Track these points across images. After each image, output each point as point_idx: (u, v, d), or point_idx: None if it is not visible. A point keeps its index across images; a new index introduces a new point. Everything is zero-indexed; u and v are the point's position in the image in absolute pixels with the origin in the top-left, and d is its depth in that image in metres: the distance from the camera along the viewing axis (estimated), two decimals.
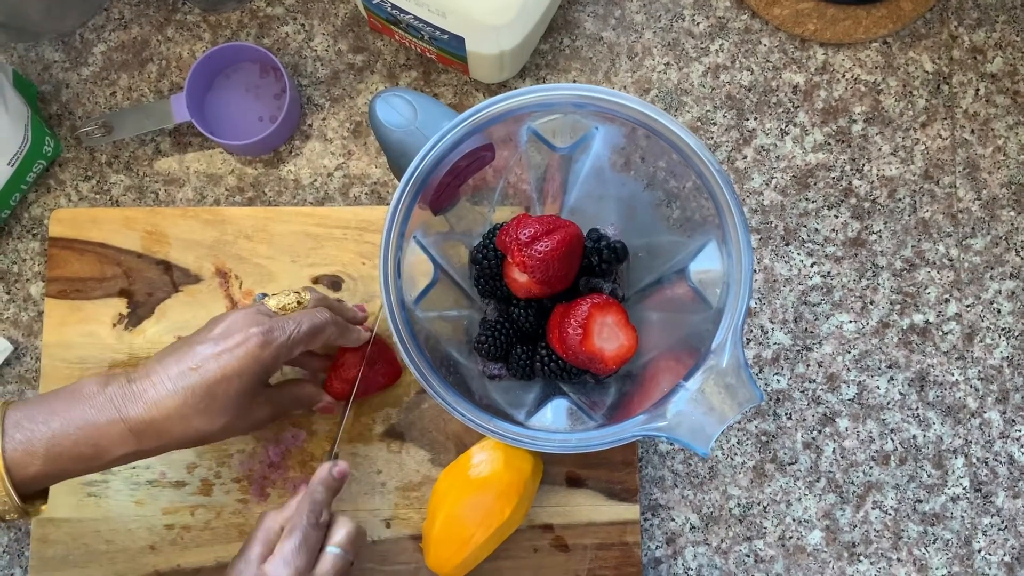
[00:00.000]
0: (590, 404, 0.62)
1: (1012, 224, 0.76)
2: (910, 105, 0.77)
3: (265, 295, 0.65)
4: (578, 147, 0.59)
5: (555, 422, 0.61)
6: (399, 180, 0.56)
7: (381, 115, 0.56)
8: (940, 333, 0.75)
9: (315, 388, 0.68)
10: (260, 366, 0.58)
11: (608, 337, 0.61)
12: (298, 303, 0.63)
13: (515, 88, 0.64)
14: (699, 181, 0.53)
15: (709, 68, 0.78)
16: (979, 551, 0.74)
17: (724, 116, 0.77)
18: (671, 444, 0.74)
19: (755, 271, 0.75)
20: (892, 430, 0.75)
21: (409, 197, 0.53)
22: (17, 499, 0.55)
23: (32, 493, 0.57)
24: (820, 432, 0.75)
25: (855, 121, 0.77)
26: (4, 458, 0.54)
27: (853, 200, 0.76)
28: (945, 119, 0.77)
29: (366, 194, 0.76)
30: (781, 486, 0.74)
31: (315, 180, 0.77)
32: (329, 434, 0.72)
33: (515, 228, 0.62)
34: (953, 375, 0.75)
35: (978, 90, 0.77)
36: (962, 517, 0.74)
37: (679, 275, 0.58)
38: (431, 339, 0.59)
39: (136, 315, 0.73)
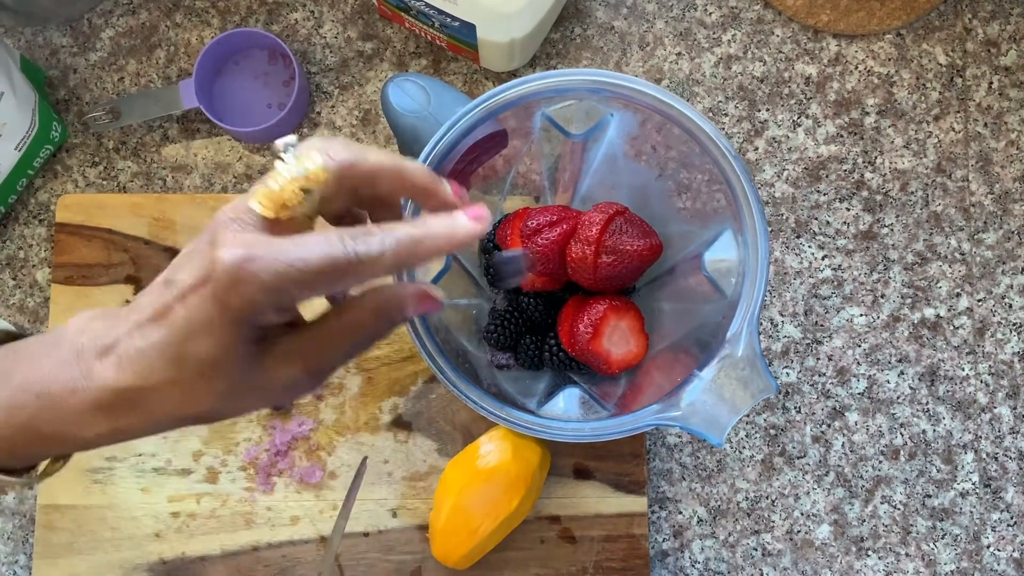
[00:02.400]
0: (601, 394, 0.62)
1: None
2: (923, 98, 0.77)
3: (291, 145, 0.39)
4: (592, 134, 0.58)
5: (567, 411, 0.61)
6: None
7: (394, 100, 0.55)
8: (951, 328, 0.75)
9: (383, 294, 0.41)
10: (235, 318, 0.38)
11: (618, 341, 0.60)
12: (303, 192, 0.38)
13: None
14: (714, 169, 0.53)
15: (721, 58, 0.77)
16: (988, 547, 0.73)
17: (736, 107, 0.77)
18: (680, 436, 0.74)
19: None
20: (902, 424, 0.74)
21: None
22: None
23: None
24: (829, 426, 0.74)
25: (868, 113, 0.77)
26: None
27: (865, 193, 0.76)
28: (958, 112, 0.77)
29: None
30: (789, 480, 0.74)
31: None
32: (336, 424, 0.71)
33: (517, 220, 0.62)
34: (964, 370, 0.75)
35: (992, 83, 0.77)
36: (971, 512, 0.74)
37: (693, 265, 0.58)
38: (442, 327, 0.59)
39: None
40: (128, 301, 0.72)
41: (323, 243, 0.37)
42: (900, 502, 0.74)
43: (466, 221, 0.40)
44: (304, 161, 0.38)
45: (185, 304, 0.38)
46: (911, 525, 0.73)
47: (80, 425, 0.40)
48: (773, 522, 0.73)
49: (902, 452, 0.74)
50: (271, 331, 0.41)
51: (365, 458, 0.70)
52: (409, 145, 0.55)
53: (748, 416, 0.74)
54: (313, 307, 0.42)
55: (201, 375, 0.39)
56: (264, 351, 0.40)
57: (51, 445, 0.41)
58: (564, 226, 0.60)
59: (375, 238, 0.38)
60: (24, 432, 0.40)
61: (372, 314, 0.41)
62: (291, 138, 0.39)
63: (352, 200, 0.42)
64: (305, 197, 0.38)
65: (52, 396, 0.39)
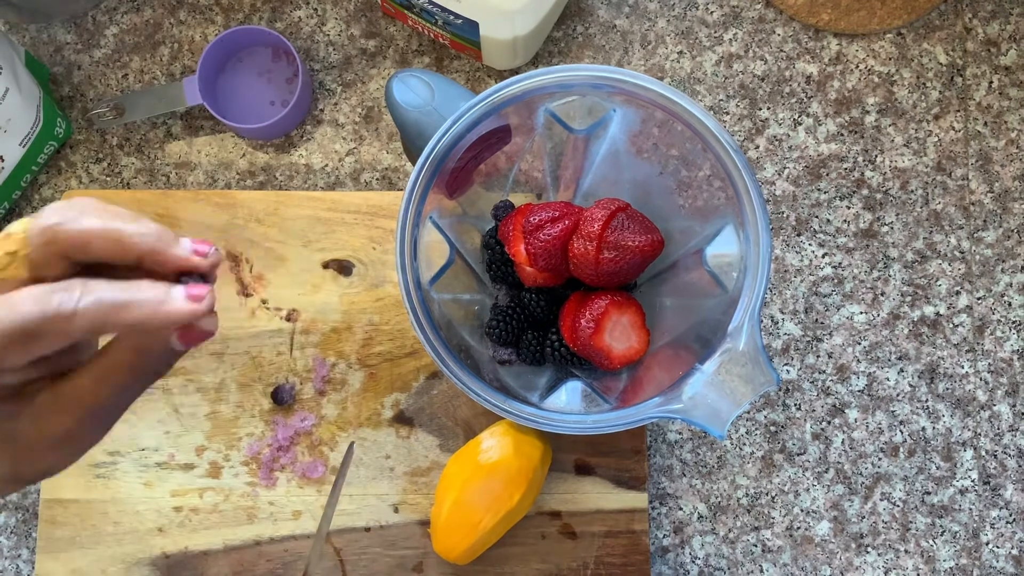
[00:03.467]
0: (603, 388, 0.62)
1: None
2: (923, 97, 0.77)
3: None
4: (595, 130, 0.59)
5: (570, 404, 0.61)
6: (413, 163, 0.56)
7: (398, 95, 0.55)
8: (951, 325, 0.75)
9: (141, 339, 0.39)
10: None
11: (620, 337, 0.61)
12: (8, 255, 0.37)
13: None
14: (716, 164, 0.53)
15: (722, 57, 0.77)
16: (987, 544, 0.74)
17: (737, 106, 0.77)
18: (680, 433, 0.74)
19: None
20: (901, 422, 0.74)
21: (427, 177, 0.53)
22: None
23: None
24: (829, 423, 0.74)
25: (868, 112, 0.77)
26: None
27: (865, 191, 0.76)
28: (958, 111, 0.77)
29: (377, 180, 0.76)
30: (789, 476, 0.74)
31: (326, 165, 0.76)
32: (338, 419, 0.72)
33: (519, 217, 0.62)
34: (963, 368, 0.75)
35: (992, 82, 0.77)
36: (970, 510, 0.74)
37: (694, 260, 0.58)
38: (444, 322, 0.59)
39: None
40: None
41: (20, 302, 0.36)
42: (899, 499, 0.74)
43: (181, 298, 0.37)
44: (10, 226, 0.38)
45: None
46: (910, 522, 0.74)
47: None
48: (773, 518, 0.74)
49: (902, 449, 0.74)
50: (27, 387, 0.39)
51: (352, 444, 0.70)
52: (413, 140, 0.56)
53: (748, 413, 0.75)
54: None
55: None
56: (21, 408, 0.39)
57: None
58: (566, 222, 0.60)
59: (72, 294, 0.36)
60: None
61: (132, 352, 0.39)
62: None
63: (77, 265, 0.38)
64: (11, 260, 0.37)
65: None
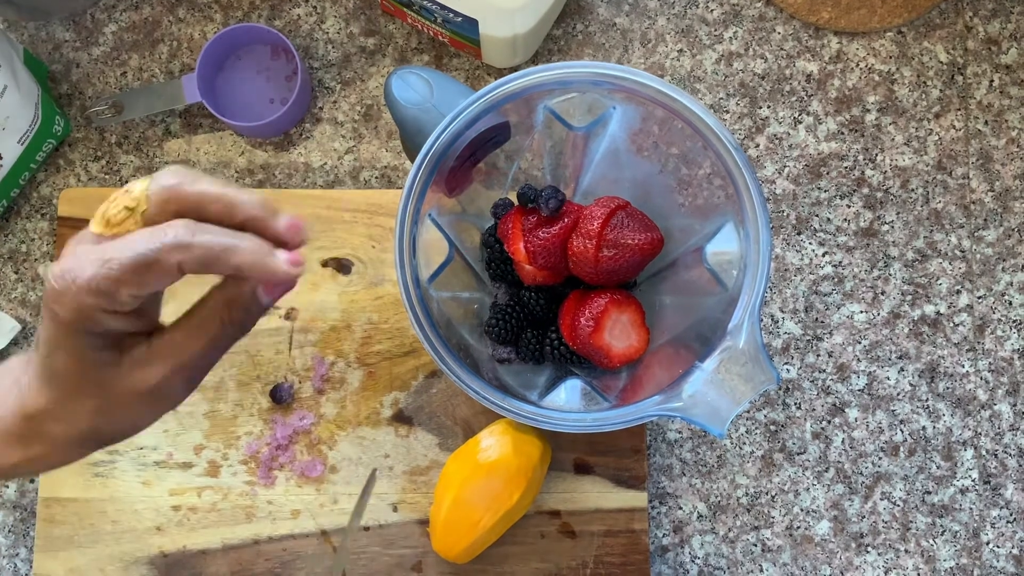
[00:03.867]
0: (603, 386, 0.62)
1: None
2: (924, 95, 0.77)
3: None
4: (595, 127, 0.59)
5: (569, 402, 0.61)
6: (412, 160, 0.56)
7: (397, 92, 0.55)
8: (951, 324, 0.75)
9: (225, 290, 0.43)
10: (71, 325, 0.40)
11: (619, 335, 0.60)
12: (127, 210, 0.41)
13: None
14: (716, 161, 0.53)
15: (722, 55, 0.77)
16: (987, 543, 0.73)
17: (737, 104, 0.77)
18: (680, 432, 0.74)
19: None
20: (901, 421, 0.74)
21: (426, 173, 0.53)
22: None
23: None
24: (829, 422, 0.74)
25: (868, 111, 0.77)
26: None
27: (865, 190, 0.76)
28: (959, 110, 0.77)
29: (376, 178, 0.76)
30: (789, 476, 0.74)
31: (325, 163, 0.76)
32: (337, 418, 0.71)
33: (519, 215, 0.62)
34: (963, 367, 0.75)
35: (992, 81, 0.77)
36: (971, 509, 0.74)
37: (694, 258, 0.58)
38: (443, 321, 0.59)
39: None
40: None
41: (137, 238, 0.39)
42: (900, 498, 0.74)
43: (282, 258, 0.41)
44: (132, 187, 0.41)
45: (42, 327, 0.41)
46: (911, 521, 0.74)
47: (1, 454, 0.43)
48: (773, 518, 0.73)
49: (902, 448, 0.74)
50: (126, 340, 0.42)
51: (375, 470, 0.70)
52: (412, 137, 0.55)
53: (748, 412, 0.74)
54: None
55: (67, 391, 0.42)
56: (120, 358, 0.42)
57: None
58: (566, 220, 0.60)
59: (188, 230, 0.39)
60: None
61: (224, 305, 0.42)
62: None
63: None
64: (129, 215, 0.40)
65: None
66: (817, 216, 0.76)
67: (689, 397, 0.50)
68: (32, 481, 0.72)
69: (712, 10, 0.78)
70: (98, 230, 0.40)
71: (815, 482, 0.74)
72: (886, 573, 0.73)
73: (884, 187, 0.76)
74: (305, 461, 0.71)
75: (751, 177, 0.51)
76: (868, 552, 0.73)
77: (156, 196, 0.40)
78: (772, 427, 0.74)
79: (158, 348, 0.42)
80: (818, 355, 0.75)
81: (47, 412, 0.42)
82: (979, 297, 0.75)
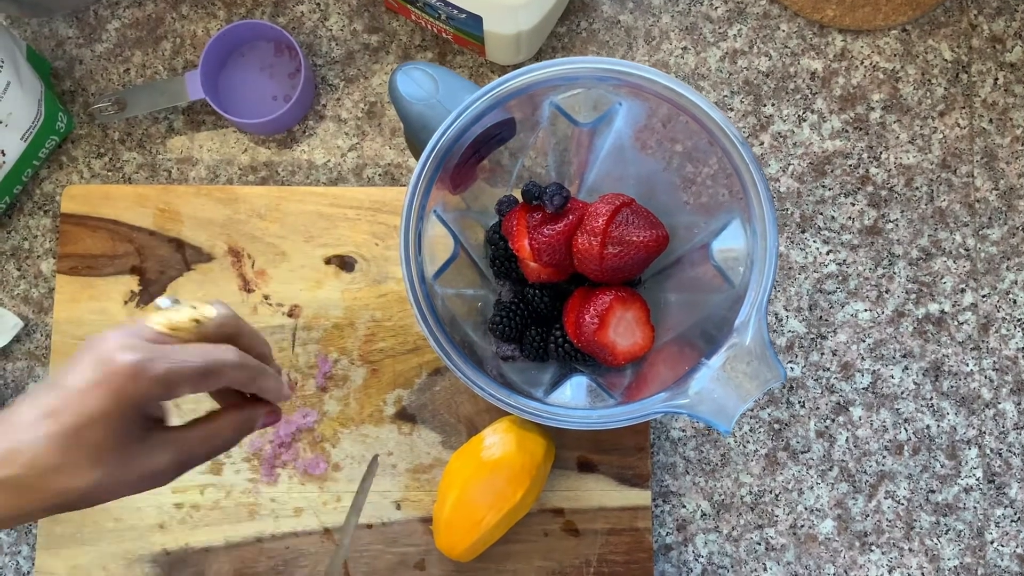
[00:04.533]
0: (608, 384, 0.62)
1: None
2: (928, 93, 0.77)
3: (175, 300, 0.51)
4: (600, 123, 0.58)
5: (575, 399, 0.61)
6: (416, 157, 0.56)
7: (402, 88, 0.55)
8: (955, 323, 0.75)
9: (243, 413, 0.52)
10: (130, 405, 0.45)
11: (624, 333, 0.60)
12: (195, 321, 0.49)
13: None
14: (723, 157, 0.53)
15: (727, 53, 0.77)
16: (991, 542, 0.73)
17: (741, 102, 0.77)
18: (684, 431, 0.74)
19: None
20: (906, 420, 0.74)
21: (432, 168, 0.53)
22: None
23: None
24: (833, 421, 0.74)
25: (873, 109, 0.77)
26: None
27: (870, 188, 0.76)
28: (963, 108, 0.77)
29: (379, 175, 0.76)
30: (793, 474, 0.74)
31: (328, 161, 0.76)
32: (340, 415, 0.71)
33: (523, 212, 0.61)
34: (968, 365, 0.75)
35: (997, 79, 0.77)
36: (975, 508, 0.73)
37: (700, 255, 0.58)
38: (448, 317, 0.59)
39: (148, 293, 0.72)
40: (133, 292, 0.72)
41: (208, 350, 0.48)
42: (904, 497, 0.74)
43: (287, 393, 0.54)
44: (202, 309, 0.50)
45: (83, 399, 0.45)
46: (915, 520, 0.73)
47: None
48: (777, 517, 0.73)
49: (906, 447, 0.74)
50: (152, 426, 0.49)
51: (376, 456, 0.70)
52: (417, 133, 0.55)
53: (752, 411, 0.74)
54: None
55: (89, 457, 0.45)
56: (144, 438, 0.48)
57: None
58: (570, 217, 0.60)
59: (236, 354, 0.49)
60: None
61: (232, 426, 0.51)
62: (166, 299, 0.51)
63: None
64: (194, 328, 0.49)
65: None
66: (821, 214, 0.76)
67: (695, 394, 0.50)
68: None
69: (716, 7, 0.77)
70: (163, 329, 0.48)
71: (819, 481, 0.74)
72: (890, 572, 0.73)
73: (888, 185, 0.76)
74: (308, 459, 0.71)
75: (758, 173, 0.51)
76: (872, 551, 0.73)
77: (220, 319, 0.50)
78: (776, 426, 0.74)
79: (174, 440, 0.49)
80: (822, 354, 0.75)
81: (37, 474, 0.45)
82: (983, 296, 0.75)
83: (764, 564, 0.73)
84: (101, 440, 0.45)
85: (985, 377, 0.75)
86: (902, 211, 0.76)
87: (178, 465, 0.49)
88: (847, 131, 0.76)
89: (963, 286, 0.75)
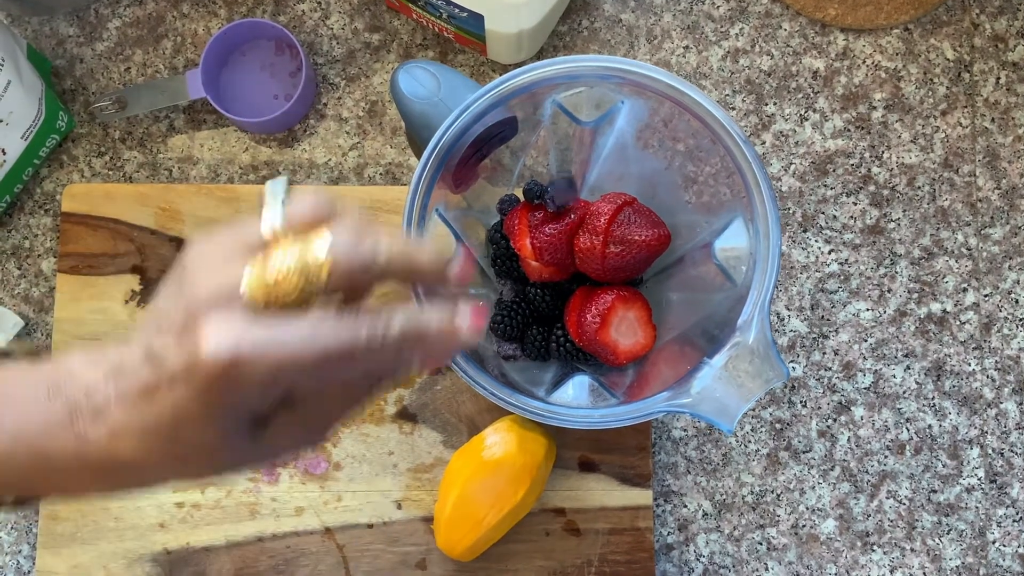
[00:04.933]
0: (610, 383, 0.62)
1: None
2: (930, 93, 0.77)
3: (283, 182, 0.35)
4: (603, 121, 0.58)
5: (577, 398, 0.61)
6: (418, 156, 0.56)
7: (404, 86, 0.55)
8: (957, 323, 0.75)
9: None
10: (222, 415, 0.35)
11: (625, 332, 0.60)
12: (304, 279, 0.34)
13: None
14: (725, 156, 0.53)
15: (729, 52, 0.77)
16: (993, 542, 0.73)
17: (743, 101, 0.77)
18: (685, 430, 0.74)
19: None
20: (908, 419, 0.74)
21: (433, 167, 0.53)
22: None
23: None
24: (835, 420, 0.74)
25: (875, 108, 0.76)
26: None
27: (872, 187, 0.76)
28: (966, 107, 0.77)
29: (380, 175, 0.76)
30: (795, 474, 0.74)
31: (329, 160, 0.76)
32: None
33: (525, 211, 0.61)
34: (970, 365, 0.75)
35: (999, 78, 0.77)
36: (977, 508, 0.73)
37: (702, 254, 0.58)
38: None
39: (149, 292, 0.72)
40: (134, 291, 0.72)
41: (323, 330, 0.33)
42: (906, 497, 0.73)
43: (465, 327, 0.37)
44: (306, 252, 0.34)
45: (172, 392, 0.35)
46: (916, 520, 0.73)
47: (74, 484, 0.38)
48: (778, 516, 0.73)
49: (908, 447, 0.74)
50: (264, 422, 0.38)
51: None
52: (419, 132, 0.55)
53: (754, 410, 0.74)
54: None
55: (199, 454, 0.37)
56: (263, 425, 0.37)
57: (40, 493, 0.40)
58: (572, 216, 0.60)
59: (380, 321, 0.34)
60: (13, 481, 0.38)
61: (362, 376, 0.39)
62: (281, 181, 0.34)
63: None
64: (300, 291, 0.34)
65: (48, 456, 0.36)
66: (823, 214, 0.76)
67: (698, 393, 0.50)
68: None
69: (718, 6, 0.77)
70: (259, 305, 0.33)
71: (821, 480, 0.73)
72: (892, 572, 0.73)
73: (890, 184, 0.76)
74: (309, 458, 0.71)
75: (761, 172, 0.51)
76: (874, 551, 0.73)
77: (342, 267, 0.34)
78: (778, 425, 0.74)
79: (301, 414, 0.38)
80: (824, 353, 0.75)
81: (155, 464, 0.37)
82: (986, 295, 0.75)
83: (766, 564, 0.73)
84: (203, 442, 0.36)
85: (987, 377, 0.75)
86: (904, 210, 0.76)
87: (313, 434, 0.39)
88: (849, 130, 0.76)
89: (965, 286, 0.75)
